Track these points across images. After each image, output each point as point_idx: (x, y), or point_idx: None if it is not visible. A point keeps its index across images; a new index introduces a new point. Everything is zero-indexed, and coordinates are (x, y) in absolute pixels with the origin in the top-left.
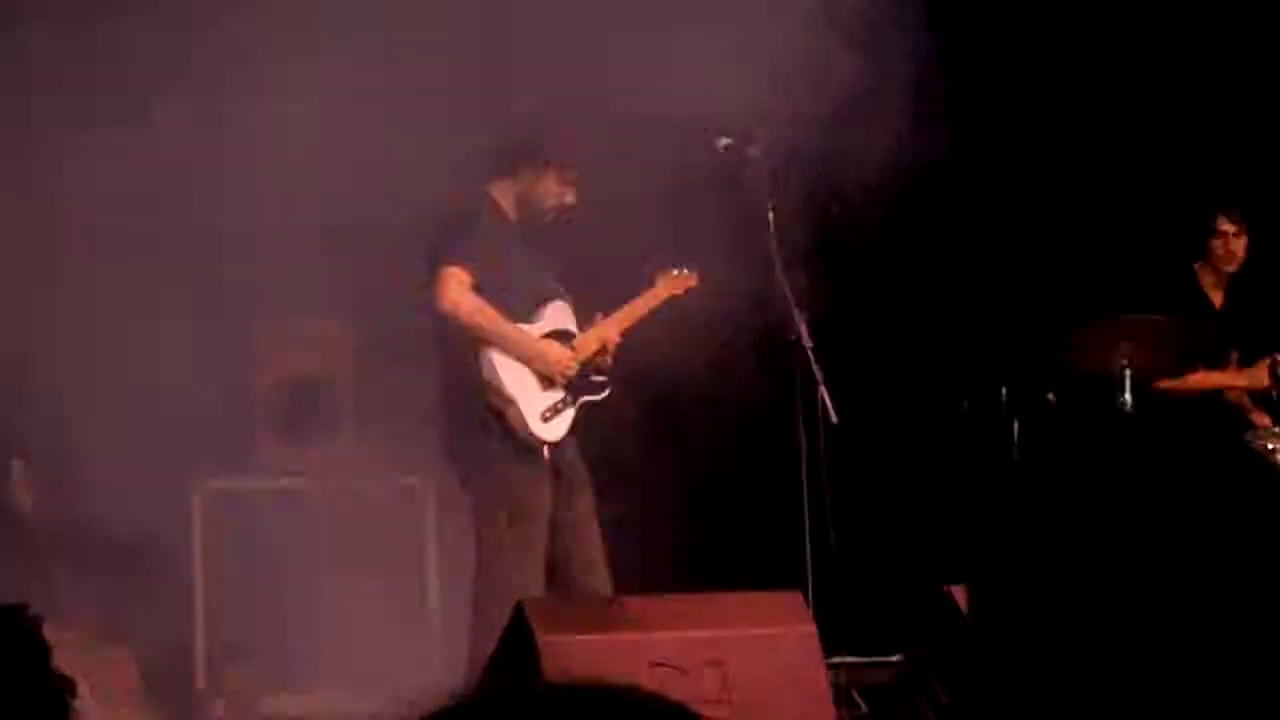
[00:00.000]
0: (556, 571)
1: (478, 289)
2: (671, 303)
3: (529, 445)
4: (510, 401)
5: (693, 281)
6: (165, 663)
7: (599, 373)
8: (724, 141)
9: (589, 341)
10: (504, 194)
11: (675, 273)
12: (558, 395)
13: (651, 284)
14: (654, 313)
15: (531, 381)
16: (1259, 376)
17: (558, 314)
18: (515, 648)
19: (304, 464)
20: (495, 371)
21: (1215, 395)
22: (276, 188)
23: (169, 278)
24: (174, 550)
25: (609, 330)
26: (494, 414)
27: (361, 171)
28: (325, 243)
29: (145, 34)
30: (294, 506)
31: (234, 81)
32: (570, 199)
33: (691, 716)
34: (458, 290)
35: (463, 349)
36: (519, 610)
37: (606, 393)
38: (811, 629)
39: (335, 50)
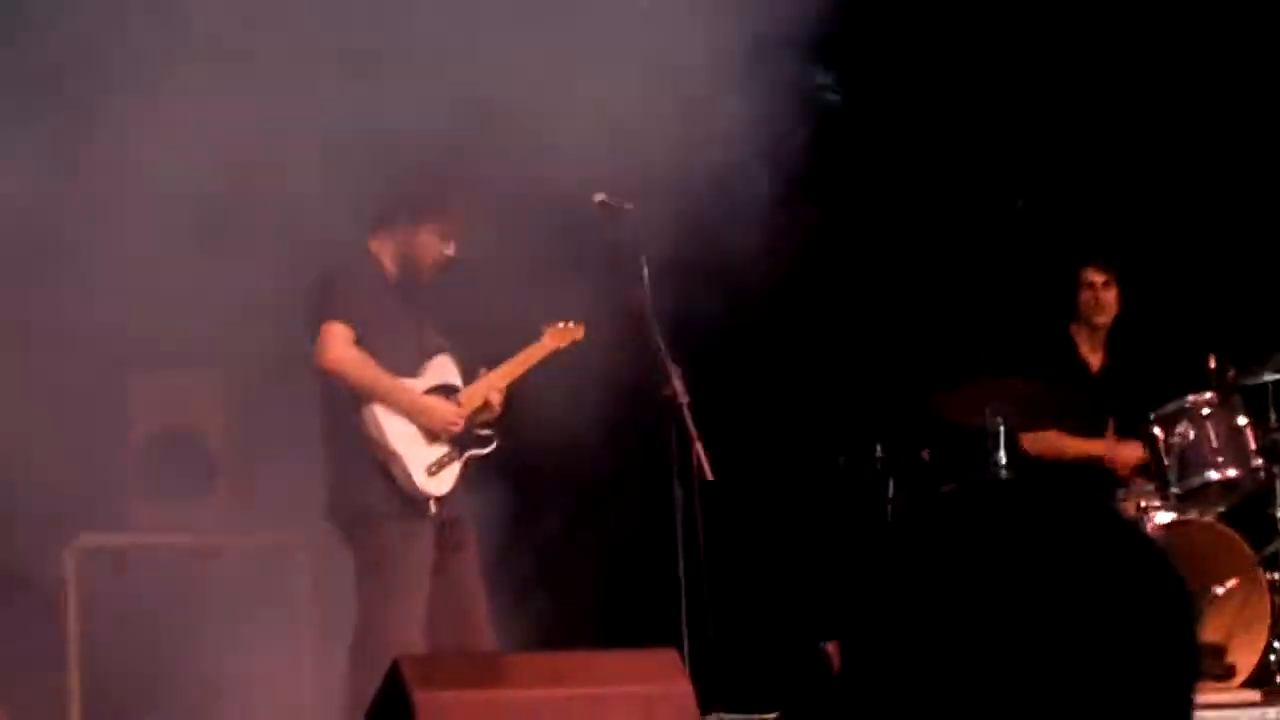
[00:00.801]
0: (437, 627)
1: (360, 344)
2: (557, 355)
3: (414, 500)
4: (395, 456)
5: (579, 334)
6: None
7: (485, 426)
8: (599, 197)
9: (474, 395)
10: (384, 249)
11: (562, 325)
12: (443, 450)
13: (538, 337)
14: (541, 365)
15: (416, 436)
16: (1131, 451)
17: (441, 368)
18: (391, 705)
19: (177, 520)
20: (379, 427)
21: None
22: (149, 238)
23: (39, 330)
24: (48, 608)
25: (494, 383)
26: (379, 469)
27: (237, 223)
28: (199, 296)
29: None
30: (168, 563)
31: (101, 138)
32: (450, 252)
33: None
34: (340, 346)
35: (346, 405)
36: (395, 667)
37: (493, 446)
38: (687, 687)
39: (209, 96)
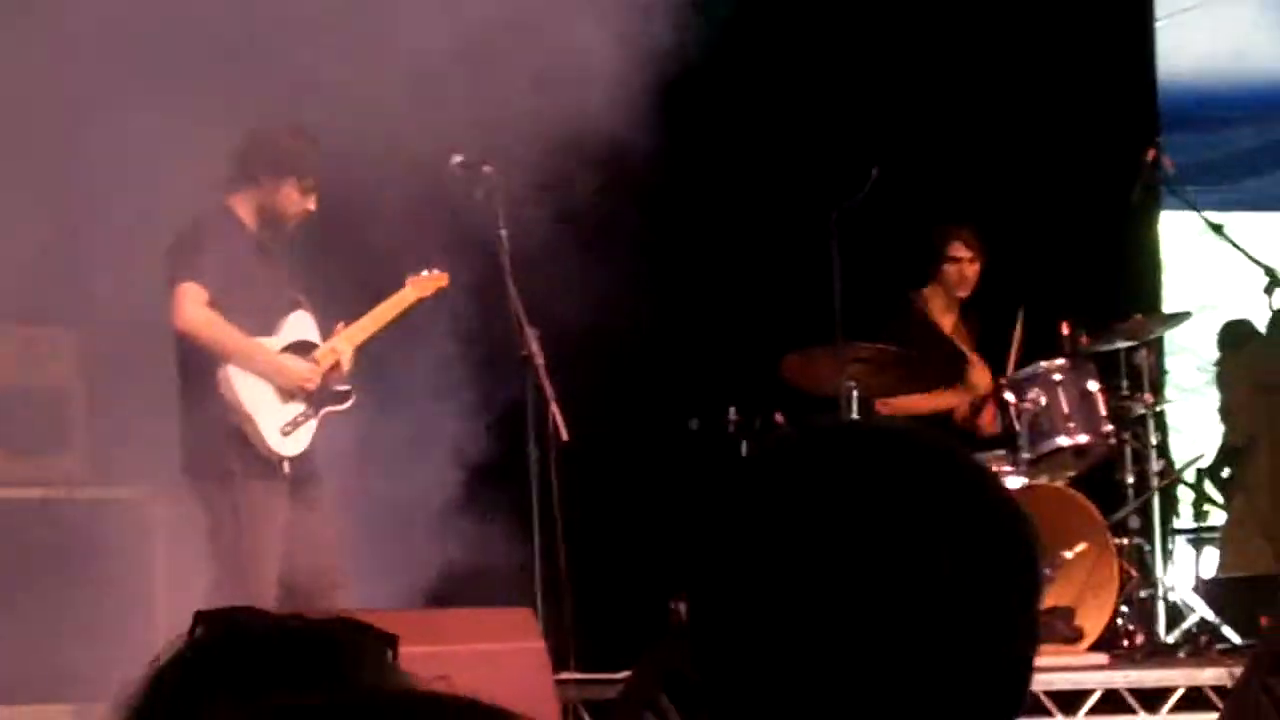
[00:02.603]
0: (290, 588)
1: (214, 304)
2: (420, 306)
3: (268, 461)
4: (248, 418)
5: (443, 281)
6: None
7: (341, 383)
8: (457, 159)
9: (331, 351)
10: (244, 205)
11: (425, 274)
12: (299, 408)
13: (400, 287)
14: (403, 316)
15: (270, 396)
16: (977, 386)
17: (299, 325)
18: None
19: (30, 475)
20: (233, 388)
21: (942, 417)
22: (7, 186)
23: None
24: None
25: (353, 338)
26: (233, 430)
27: (96, 173)
28: (56, 247)
29: None
30: (19, 518)
31: None
32: (311, 206)
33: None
34: (192, 308)
35: (200, 365)
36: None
37: (350, 402)
38: (540, 645)
39: (70, 46)
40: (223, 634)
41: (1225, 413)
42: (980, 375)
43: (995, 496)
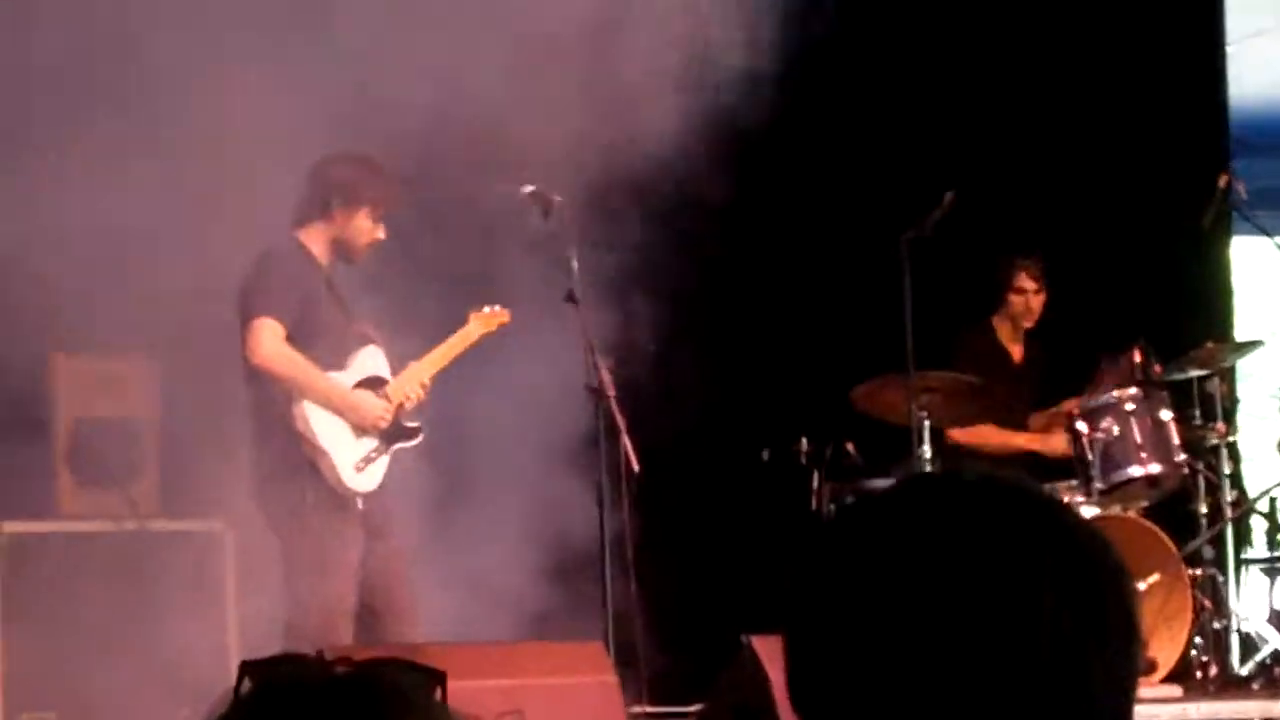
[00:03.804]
0: (365, 621)
1: (290, 339)
2: (485, 341)
3: (342, 496)
4: (323, 454)
5: (505, 318)
6: None
7: (411, 418)
8: (528, 189)
9: (401, 387)
10: (315, 239)
11: (488, 310)
12: (371, 444)
13: (464, 323)
14: (468, 351)
15: (344, 432)
16: (1057, 442)
17: (369, 360)
18: None
19: (104, 507)
20: (308, 423)
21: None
22: (81, 217)
23: None
24: None
25: (421, 374)
26: (307, 465)
27: (171, 207)
28: (132, 277)
29: None
30: (95, 550)
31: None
32: (381, 235)
33: None
34: (270, 343)
35: (275, 399)
36: (320, 657)
37: (419, 439)
38: (612, 678)
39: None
40: (266, 691)
41: None
42: (1060, 443)
43: (1096, 549)
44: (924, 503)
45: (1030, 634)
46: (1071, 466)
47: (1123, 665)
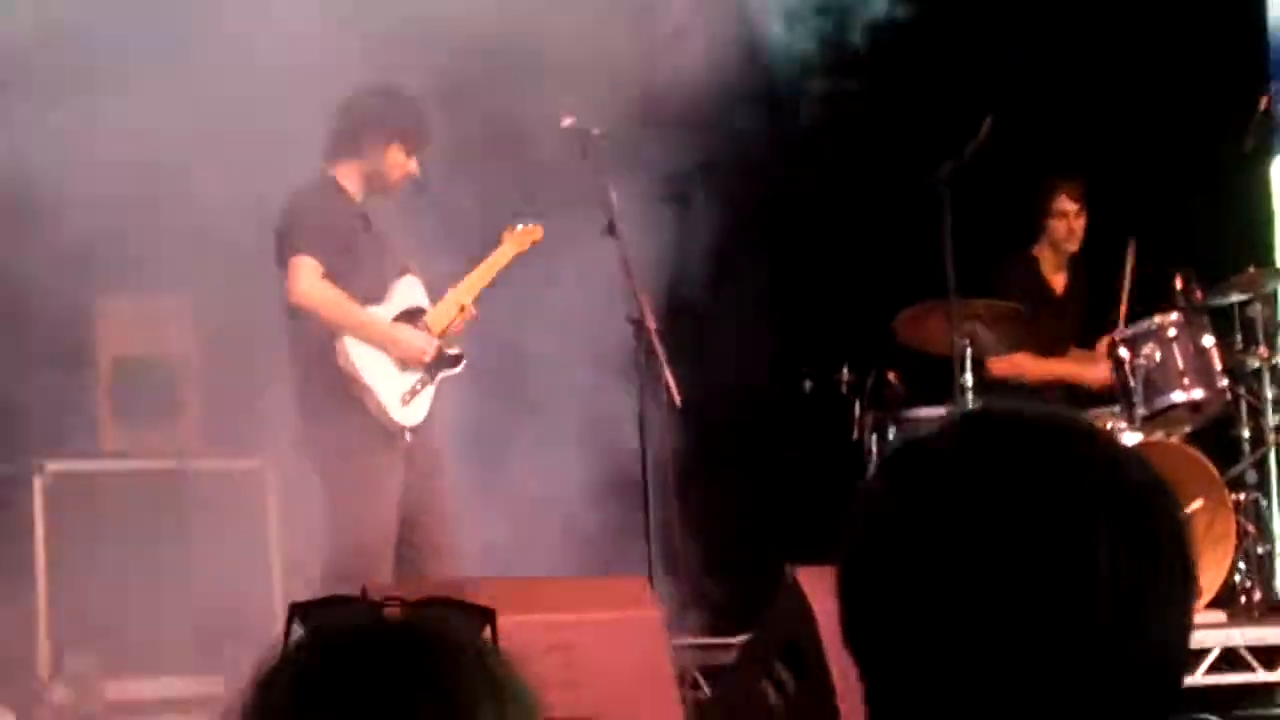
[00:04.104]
0: (404, 555)
1: (327, 276)
2: (526, 263)
3: (387, 431)
4: (367, 389)
5: (538, 234)
6: (6, 648)
7: (453, 345)
8: (568, 121)
9: (441, 316)
10: (348, 175)
11: (520, 228)
12: (415, 376)
13: (499, 243)
14: (506, 270)
15: (388, 365)
16: (1098, 371)
17: (408, 291)
18: None
19: (146, 445)
20: (350, 360)
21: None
22: (117, 158)
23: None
24: (15, 534)
25: (460, 298)
26: (352, 401)
27: (203, 148)
28: (168, 218)
29: None
30: (137, 489)
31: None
32: (414, 168)
33: None
34: (309, 280)
35: (316, 337)
36: (364, 595)
37: (462, 365)
38: (656, 613)
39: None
40: (318, 638)
41: None
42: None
43: (1152, 491)
44: (979, 443)
45: (1086, 581)
46: (1113, 394)
47: (1179, 613)
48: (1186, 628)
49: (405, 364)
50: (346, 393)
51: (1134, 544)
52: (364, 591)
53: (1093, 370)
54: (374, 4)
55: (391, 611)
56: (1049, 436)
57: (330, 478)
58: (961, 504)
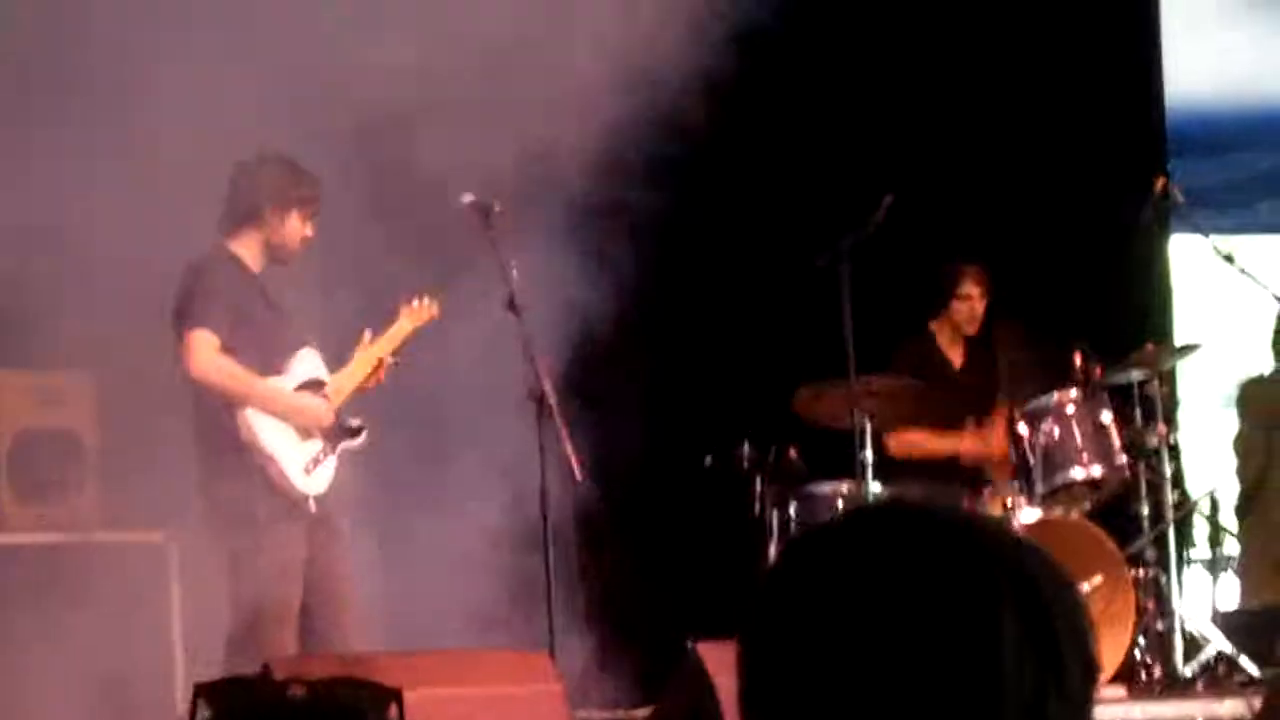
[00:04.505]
0: (307, 626)
1: (225, 349)
2: (418, 335)
3: (291, 501)
4: (271, 459)
5: (434, 311)
6: None
7: (352, 418)
8: (467, 198)
9: (341, 386)
10: (247, 245)
11: (416, 304)
12: (317, 446)
13: (394, 318)
14: (405, 346)
15: (290, 436)
16: (994, 441)
17: (307, 363)
18: None
19: (45, 519)
20: (253, 431)
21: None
22: (15, 229)
23: None
24: None
25: (358, 372)
26: (255, 472)
27: (102, 217)
28: (67, 293)
29: None
30: (37, 563)
31: None
32: (310, 232)
33: None
34: (207, 355)
35: (217, 409)
36: (266, 669)
37: (363, 437)
38: (558, 687)
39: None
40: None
41: (1238, 446)
42: (1000, 440)
43: (1052, 586)
44: (883, 532)
45: (991, 674)
46: (1012, 466)
47: (1079, 703)
48: (1088, 713)
49: (307, 433)
50: (248, 463)
51: (1037, 637)
52: (266, 666)
53: (990, 443)
54: (267, 87)
55: (295, 691)
56: (953, 529)
57: (235, 550)
58: (863, 591)
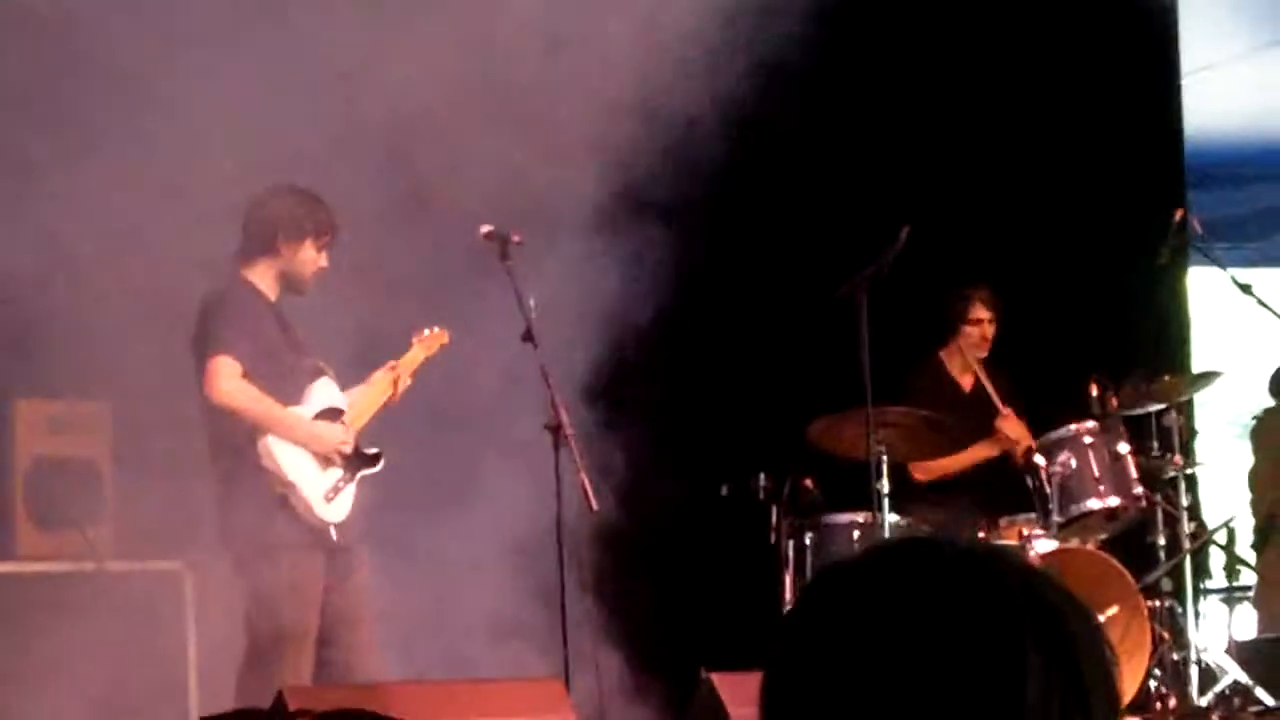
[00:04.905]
0: (323, 655)
1: (248, 376)
2: (429, 364)
3: (311, 529)
4: (292, 487)
5: (444, 339)
6: None
7: (371, 445)
8: (486, 229)
9: (358, 414)
10: (262, 275)
11: (428, 333)
12: (337, 474)
13: (408, 348)
14: (415, 374)
15: (310, 463)
16: (1007, 437)
17: (324, 392)
18: None
19: (62, 548)
20: (274, 458)
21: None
22: (32, 258)
23: None
24: None
25: (374, 399)
26: (276, 501)
27: (119, 247)
28: (86, 319)
29: None
30: (53, 591)
31: None
32: (324, 263)
33: None
34: (229, 380)
35: (237, 437)
36: (280, 698)
37: (381, 464)
38: (571, 717)
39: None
40: None
41: (1252, 480)
42: (1014, 426)
43: (1078, 623)
44: (906, 567)
45: (1014, 709)
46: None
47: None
48: None
49: (327, 461)
50: (269, 491)
51: (1062, 672)
52: (280, 696)
53: (1007, 434)
54: (290, 114)
55: None
56: (975, 562)
57: (254, 578)
58: (886, 626)
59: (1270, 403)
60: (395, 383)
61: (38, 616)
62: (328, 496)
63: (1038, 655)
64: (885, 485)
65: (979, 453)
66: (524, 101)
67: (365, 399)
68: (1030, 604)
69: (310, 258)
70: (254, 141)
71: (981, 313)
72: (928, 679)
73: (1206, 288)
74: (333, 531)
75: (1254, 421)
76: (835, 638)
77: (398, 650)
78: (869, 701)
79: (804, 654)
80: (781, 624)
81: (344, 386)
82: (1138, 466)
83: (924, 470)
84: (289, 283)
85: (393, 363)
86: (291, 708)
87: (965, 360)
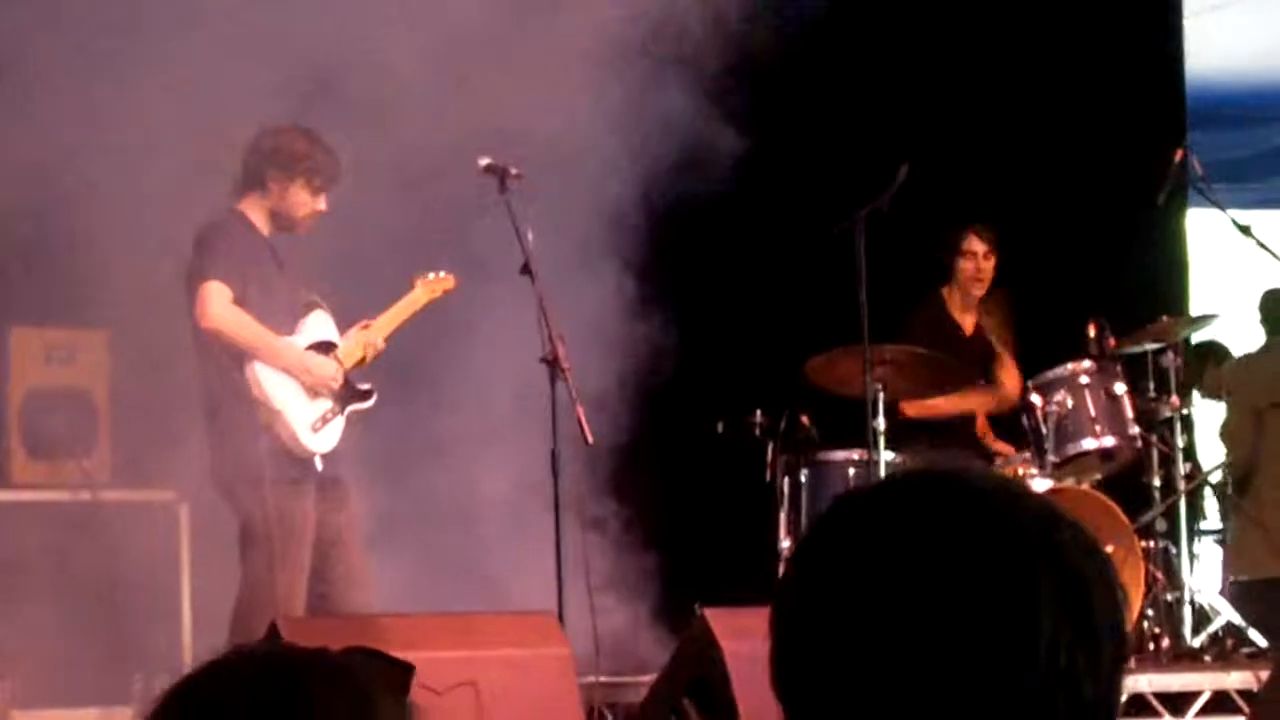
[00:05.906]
0: (316, 586)
1: (239, 303)
2: (432, 306)
3: (299, 458)
4: (278, 415)
5: (450, 284)
6: None
7: (363, 380)
8: (485, 161)
9: (352, 350)
10: (255, 209)
11: (432, 276)
12: (325, 405)
13: (410, 288)
14: (415, 316)
15: (299, 393)
16: (1004, 390)
17: (318, 324)
18: None
19: (57, 478)
20: (261, 386)
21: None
22: (28, 189)
23: None
24: None
25: (371, 337)
26: (262, 429)
27: (116, 178)
28: (81, 250)
29: None
30: (48, 520)
31: None
32: (322, 207)
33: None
34: (220, 305)
35: (226, 364)
36: (273, 629)
37: (373, 400)
38: (565, 650)
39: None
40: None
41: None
42: (1009, 374)
43: (1089, 557)
44: (920, 498)
45: (1028, 640)
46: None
47: (1111, 673)
48: (1118, 687)
49: (315, 392)
50: (256, 420)
51: (1073, 605)
52: (273, 627)
53: (1000, 394)
54: (287, 42)
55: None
56: (989, 496)
57: (242, 509)
58: (898, 560)
59: (1240, 353)
60: (366, 346)
61: (33, 544)
62: (315, 426)
63: (1052, 589)
64: (881, 423)
65: (972, 401)
66: (516, 35)
67: (361, 341)
68: (1047, 540)
69: (302, 200)
70: (255, 79)
71: (975, 245)
72: (938, 614)
73: (1206, 229)
74: (318, 461)
75: (1225, 374)
76: (846, 570)
77: (388, 580)
78: (878, 634)
79: (814, 585)
80: (794, 552)
81: (342, 318)
82: (1134, 407)
83: (914, 407)
84: (280, 221)
85: (365, 322)
86: (285, 639)
87: (965, 299)
